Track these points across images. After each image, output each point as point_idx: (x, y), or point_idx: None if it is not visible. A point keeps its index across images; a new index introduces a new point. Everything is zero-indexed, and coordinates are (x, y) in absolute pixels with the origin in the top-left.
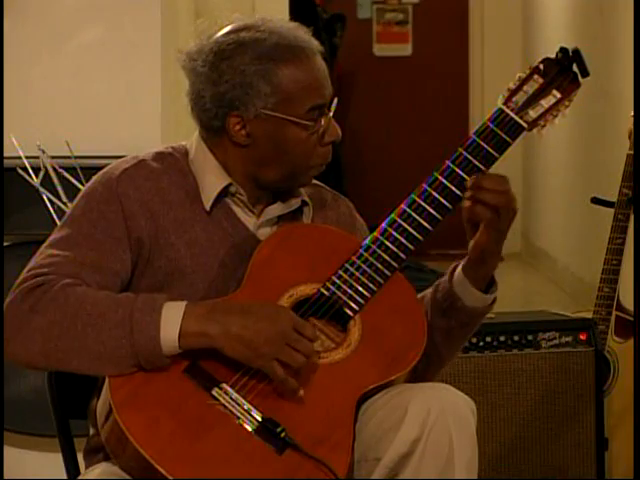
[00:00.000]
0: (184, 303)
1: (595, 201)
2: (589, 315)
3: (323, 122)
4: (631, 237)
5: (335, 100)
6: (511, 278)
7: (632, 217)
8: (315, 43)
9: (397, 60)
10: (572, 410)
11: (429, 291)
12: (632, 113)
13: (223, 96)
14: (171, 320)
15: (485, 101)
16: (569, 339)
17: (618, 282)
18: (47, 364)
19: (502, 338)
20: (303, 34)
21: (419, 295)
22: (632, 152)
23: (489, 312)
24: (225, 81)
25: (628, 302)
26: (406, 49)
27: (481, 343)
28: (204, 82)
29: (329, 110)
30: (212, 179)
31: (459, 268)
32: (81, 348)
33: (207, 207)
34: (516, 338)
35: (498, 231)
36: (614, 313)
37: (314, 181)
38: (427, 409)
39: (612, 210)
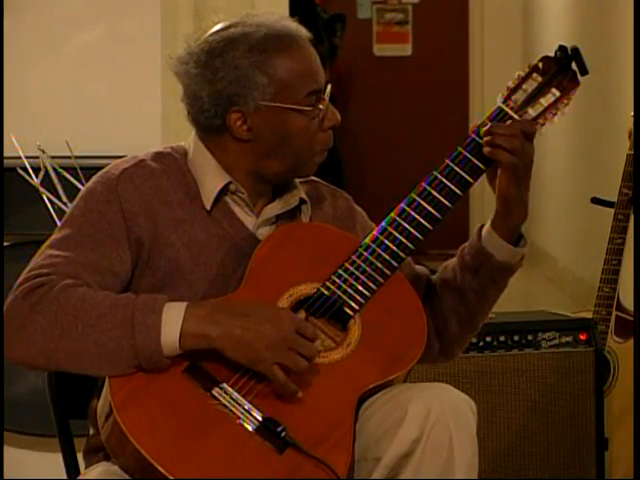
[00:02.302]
0: (185, 304)
1: (595, 201)
2: (589, 315)
3: (322, 107)
4: (631, 237)
5: (329, 86)
6: (511, 278)
7: (632, 217)
8: (303, 31)
9: (397, 60)
10: (572, 410)
11: (452, 260)
12: (632, 113)
13: (221, 93)
14: (172, 321)
15: (485, 101)
16: (569, 339)
17: (618, 282)
18: (47, 364)
19: (502, 338)
20: (290, 23)
21: (443, 265)
22: (632, 152)
23: (518, 269)
24: (221, 78)
25: (628, 302)
26: (406, 49)
27: (481, 343)
28: (199, 82)
29: (324, 95)
30: (212, 178)
31: (486, 226)
32: (82, 349)
33: (207, 206)
34: (516, 338)
35: (517, 177)
36: (614, 313)
37: (311, 177)
38: (427, 409)
39: (612, 210)
